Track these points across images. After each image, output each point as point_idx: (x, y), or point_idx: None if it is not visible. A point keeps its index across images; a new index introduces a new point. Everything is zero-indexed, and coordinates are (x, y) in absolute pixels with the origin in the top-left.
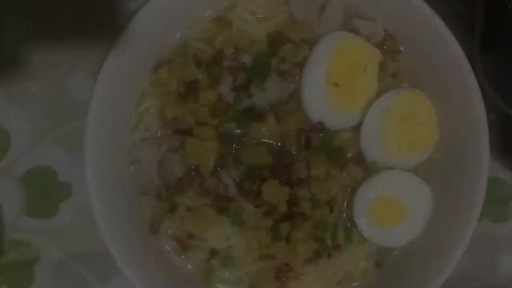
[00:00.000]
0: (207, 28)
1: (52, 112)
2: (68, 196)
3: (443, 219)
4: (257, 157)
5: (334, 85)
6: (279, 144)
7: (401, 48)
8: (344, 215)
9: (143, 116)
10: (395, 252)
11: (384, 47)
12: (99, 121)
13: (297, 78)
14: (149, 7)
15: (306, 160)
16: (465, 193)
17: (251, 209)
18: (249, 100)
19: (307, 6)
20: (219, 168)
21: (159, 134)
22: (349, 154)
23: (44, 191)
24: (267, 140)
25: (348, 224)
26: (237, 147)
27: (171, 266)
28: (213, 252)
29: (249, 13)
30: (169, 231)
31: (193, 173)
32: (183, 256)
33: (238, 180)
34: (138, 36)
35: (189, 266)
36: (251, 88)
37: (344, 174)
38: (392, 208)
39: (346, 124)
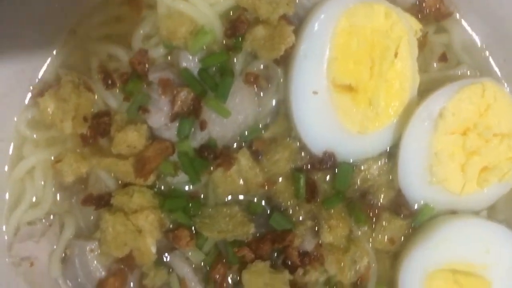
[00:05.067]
0: (116, 17)
1: None
2: None
3: None
4: (228, 227)
5: (344, 88)
6: (263, 199)
7: (454, 11)
8: None
9: (26, 182)
10: None
11: (425, 12)
12: None
13: (279, 83)
14: None
15: (312, 219)
16: None
17: None
18: (203, 133)
19: None
20: (166, 253)
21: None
22: (381, 199)
23: None
24: (241, 196)
25: None
26: (193, 214)
27: None
28: None
29: None
30: None
31: (124, 267)
32: None
33: (202, 263)
34: None
35: None
36: (204, 113)
37: (377, 233)
38: (463, 285)
39: (371, 151)
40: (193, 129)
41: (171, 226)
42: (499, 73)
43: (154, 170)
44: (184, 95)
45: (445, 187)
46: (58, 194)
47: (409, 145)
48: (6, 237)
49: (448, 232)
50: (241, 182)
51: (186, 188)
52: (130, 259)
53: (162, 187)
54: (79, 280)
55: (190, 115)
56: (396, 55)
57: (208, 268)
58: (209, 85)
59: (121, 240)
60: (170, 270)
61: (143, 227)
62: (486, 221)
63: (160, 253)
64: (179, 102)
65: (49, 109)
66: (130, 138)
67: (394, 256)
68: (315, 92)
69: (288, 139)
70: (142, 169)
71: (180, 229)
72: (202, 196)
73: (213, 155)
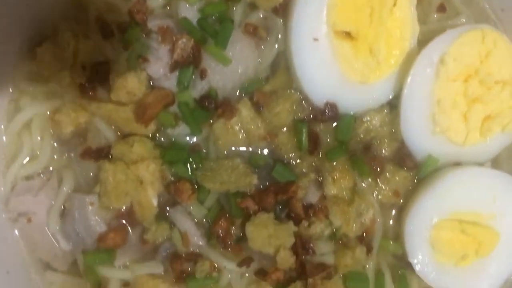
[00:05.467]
0: None
1: None
2: None
3: None
4: (231, 179)
5: (345, 36)
6: (265, 150)
7: None
8: (390, 254)
9: (23, 136)
10: None
11: None
12: None
13: (279, 35)
14: None
15: (315, 172)
16: None
17: (233, 269)
18: (203, 82)
19: None
20: (168, 208)
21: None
22: (385, 151)
23: None
24: (244, 148)
25: (400, 268)
26: (194, 166)
27: None
28: None
29: None
30: None
31: (125, 222)
32: None
33: (204, 219)
34: None
35: None
36: (204, 61)
37: (381, 185)
38: (471, 235)
39: (373, 102)
40: (193, 77)
41: (172, 179)
42: (497, 23)
43: (155, 117)
44: (184, 43)
45: (449, 137)
46: (56, 148)
47: (411, 94)
48: (2, 192)
49: (454, 181)
50: (243, 134)
51: (187, 139)
52: (131, 214)
53: (162, 139)
54: (78, 234)
55: (190, 64)
56: (395, 3)
57: (210, 224)
58: (208, 33)
59: (121, 189)
60: (172, 225)
61: (144, 177)
62: (492, 170)
63: (161, 208)
64: (178, 50)
65: (47, 59)
66: (130, 84)
67: (399, 210)
68: (315, 39)
69: (289, 91)
70: (143, 115)
71: (181, 181)
72: (203, 150)
73: (214, 105)
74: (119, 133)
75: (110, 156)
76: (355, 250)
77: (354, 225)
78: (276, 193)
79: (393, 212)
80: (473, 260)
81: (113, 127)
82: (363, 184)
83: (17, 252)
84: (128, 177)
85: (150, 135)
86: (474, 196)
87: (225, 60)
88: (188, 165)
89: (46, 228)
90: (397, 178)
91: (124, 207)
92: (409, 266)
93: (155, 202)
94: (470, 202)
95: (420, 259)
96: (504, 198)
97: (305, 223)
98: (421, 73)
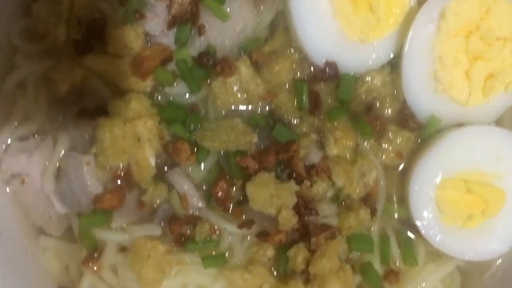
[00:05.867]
0: None
1: None
2: None
3: None
4: (230, 139)
5: None
6: (266, 109)
7: None
8: (395, 216)
9: (17, 95)
10: (495, 267)
11: None
12: None
13: None
14: None
15: (317, 132)
16: None
17: (234, 231)
18: (202, 39)
19: None
20: (166, 168)
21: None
22: (387, 112)
23: None
24: (243, 107)
25: (405, 229)
26: (193, 126)
27: None
28: None
29: None
30: None
31: (121, 183)
32: None
33: (203, 181)
34: None
35: None
36: (202, 18)
37: (384, 146)
38: (476, 195)
39: (373, 61)
40: (191, 33)
41: (170, 139)
42: None
43: (152, 70)
44: None
45: (451, 96)
46: (51, 109)
47: (412, 51)
48: None
49: (457, 140)
50: (242, 94)
51: (186, 98)
52: (128, 176)
53: (160, 97)
54: (74, 195)
55: (188, 20)
56: None
57: (209, 186)
58: None
59: (119, 146)
60: (170, 188)
61: (142, 134)
62: (496, 128)
63: (159, 170)
64: (176, 5)
65: (43, 16)
66: (127, 37)
67: (402, 173)
68: None
69: (288, 50)
70: (140, 67)
71: (180, 141)
72: (202, 111)
73: (212, 62)
74: (115, 92)
75: (107, 112)
76: (359, 211)
77: (357, 185)
78: (277, 152)
79: (397, 175)
80: (480, 221)
81: (109, 85)
82: (366, 145)
83: (10, 217)
84: (125, 134)
85: (148, 94)
86: (478, 155)
87: (223, 15)
88: (187, 126)
89: (40, 191)
90: (399, 139)
91: (121, 168)
92: (415, 231)
93: (152, 161)
94: (475, 161)
95: (426, 222)
96: (509, 156)
97: (307, 183)
98: (422, 29)
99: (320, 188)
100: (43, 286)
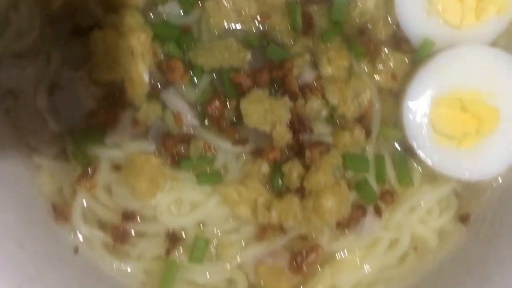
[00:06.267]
0: None
1: None
2: None
3: None
4: (224, 57)
5: None
6: (259, 28)
7: None
8: (391, 138)
9: (9, 11)
10: (491, 191)
11: None
12: None
13: None
14: None
15: (310, 52)
16: None
17: (229, 148)
18: None
19: None
20: (159, 86)
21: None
22: (380, 35)
23: None
24: (237, 26)
25: (401, 151)
26: (186, 46)
27: (97, 275)
28: (173, 238)
29: None
30: (88, 212)
31: (114, 99)
32: (119, 255)
33: (197, 101)
34: None
35: (130, 269)
36: None
37: (380, 66)
38: (471, 112)
39: None
40: None
41: (163, 58)
42: None
43: None
44: None
45: (444, 19)
46: (44, 26)
47: None
48: None
49: (451, 59)
50: (235, 14)
51: (180, 18)
52: (122, 93)
53: (152, 16)
54: (67, 111)
55: None
56: None
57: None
58: None
59: (112, 59)
60: (164, 108)
61: (135, 48)
62: (491, 48)
63: (153, 89)
64: None
65: None
66: None
67: (397, 97)
68: None
69: None
70: None
71: (174, 59)
72: (197, 30)
73: None
74: (108, 9)
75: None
76: (354, 130)
77: (351, 104)
78: (271, 70)
79: (392, 98)
80: (475, 141)
81: (102, 2)
82: (360, 66)
83: (3, 137)
84: (118, 46)
85: (141, 10)
86: (472, 74)
87: None
88: (180, 44)
89: (33, 108)
90: (394, 61)
91: (115, 84)
92: (411, 153)
93: (146, 77)
94: (469, 80)
95: (421, 142)
96: (504, 76)
97: (301, 101)
98: None
99: (314, 105)
100: (38, 208)
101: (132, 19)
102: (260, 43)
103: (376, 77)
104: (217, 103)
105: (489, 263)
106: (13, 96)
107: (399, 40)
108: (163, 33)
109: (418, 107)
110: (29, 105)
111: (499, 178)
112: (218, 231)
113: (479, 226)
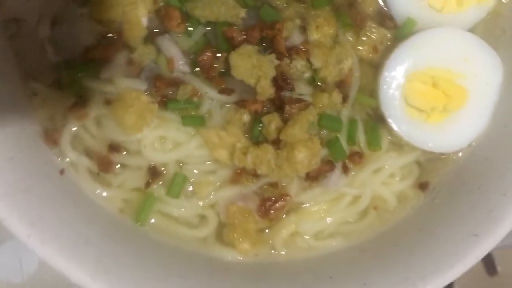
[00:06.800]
0: None
1: None
2: None
3: None
4: (220, 11)
5: None
6: None
7: None
8: (364, 109)
9: None
10: (450, 165)
11: None
12: None
13: None
14: None
15: (300, 17)
16: None
17: (215, 96)
18: None
19: None
20: (155, 31)
21: None
22: (367, 10)
23: None
24: None
25: (373, 119)
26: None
27: (79, 197)
28: (154, 172)
29: None
30: (76, 140)
31: (112, 39)
32: (102, 182)
33: (190, 50)
34: None
35: (110, 196)
36: None
37: (364, 38)
38: (441, 89)
39: None
40: None
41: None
42: None
43: None
44: None
45: (428, 2)
46: None
47: None
48: None
49: (430, 38)
50: None
51: None
52: (120, 34)
53: None
54: (66, 44)
55: None
56: None
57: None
58: None
59: (113, 3)
60: (159, 52)
61: None
62: (466, 33)
63: (150, 34)
64: None
65: None
66: None
67: (377, 67)
68: None
69: None
70: None
71: (172, 8)
72: None
73: None
74: None
75: None
76: (332, 93)
77: (333, 70)
78: (262, 29)
79: (371, 69)
80: (442, 116)
81: None
82: (345, 36)
83: (7, 63)
84: None
85: None
86: (447, 54)
87: None
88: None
89: (34, 37)
90: (377, 35)
91: (114, 24)
92: (382, 121)
93: (144, 22)
94: (444, 60)
95: (393, 112)
96: (476, 60)
97: (287, 61)
98: None
99: (299, 66)
100: (30, 130)
101: None
102: (255, 4)
103: (359, 48)
104: (208, 53)
105: (437, 225)
106: (17, 24)
107: (384, 17)
108: None
109: (394, 79)
110: (31, 34)
111: (460, 153)
112: (197, 171)
113: (436, 194)
